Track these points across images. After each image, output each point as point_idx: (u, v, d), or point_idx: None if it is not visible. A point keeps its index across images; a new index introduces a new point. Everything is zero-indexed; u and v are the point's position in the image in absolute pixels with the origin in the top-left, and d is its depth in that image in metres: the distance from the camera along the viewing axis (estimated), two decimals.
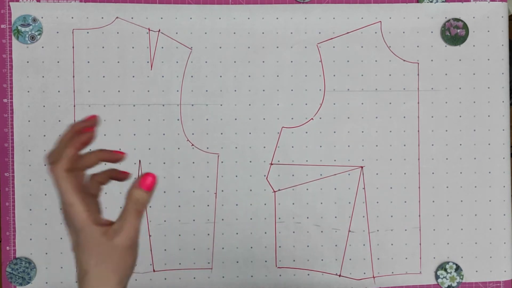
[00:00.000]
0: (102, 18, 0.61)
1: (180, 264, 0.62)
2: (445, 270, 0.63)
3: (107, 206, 0.62)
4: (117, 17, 0.61)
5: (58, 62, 0.61)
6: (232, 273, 0.62)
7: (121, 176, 0.42)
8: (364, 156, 0.63)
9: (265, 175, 0.62)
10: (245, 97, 0.62)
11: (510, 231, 0.64)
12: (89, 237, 0.35)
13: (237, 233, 0.62)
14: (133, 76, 0.62)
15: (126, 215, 0.36)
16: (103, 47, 0.61)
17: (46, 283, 0.61)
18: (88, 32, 0.61)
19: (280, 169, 0.62)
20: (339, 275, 0.63)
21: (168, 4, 0.62)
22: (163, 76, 0.62)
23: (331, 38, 0.63)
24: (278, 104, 0.62)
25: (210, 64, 0.62)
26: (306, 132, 0.63)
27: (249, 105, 0.62)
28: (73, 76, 0.61)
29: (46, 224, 0.61)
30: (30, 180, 0.61)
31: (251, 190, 0.62)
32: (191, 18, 0.62)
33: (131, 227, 0.36)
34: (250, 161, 0.62)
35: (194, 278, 0.62)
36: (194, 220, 0.62)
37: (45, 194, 0.61)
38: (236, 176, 0.62)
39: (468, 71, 0.63)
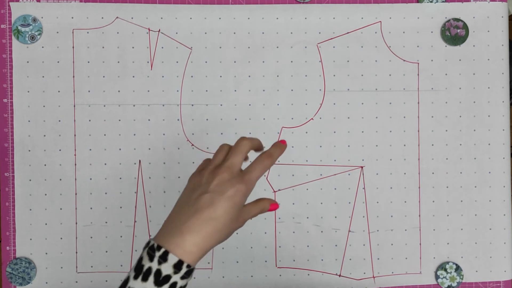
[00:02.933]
0: (102, 18, 0.61)
1: None
2: (445, 270, 0.63)
3: (107, 206, 0.62)
4: (117, 17, 0.61)
5: (58, 62, 0.61)
6: (232, 273, 0.62)
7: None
8: (364, 156, 0.63)
9: (265, 175, 0.62)
10: (245, 97, 0.62)
11: (510, 231, 0.64)
12: None
13: (237, 233, 0.62)
14: (133, 76, 0.62)
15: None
16: (103, 47, 0.61)
17: (46, 283, 0.61)
18: (88, 32, 0.61)
19: (280, 169, 0.62)
20: (339, 275, 0.63)
21: (168, 4, 0.62)
22: (163, 76, 0.62)
23: (331, 38, 0.63)
24: (278, 104, 0.62)
25: (210, 64, 0.62)
26: (306, 132, 0.63)
27: (249, 105, 0.62)
28: (73, 76, 0.61)
29: (46, 224, 0.61)
30: (30, 180, 0.61)
31: None
32: (191, 18, 0.62)
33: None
34: (250, 161, 0.62)
35: (194, 278, 0.62)
36: None
37: (45, 194, 0.61)
38: None
39: (468, 71, 0.63)
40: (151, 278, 0.37)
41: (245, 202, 0.44)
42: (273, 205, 0.47)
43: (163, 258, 0.38)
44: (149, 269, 0.37)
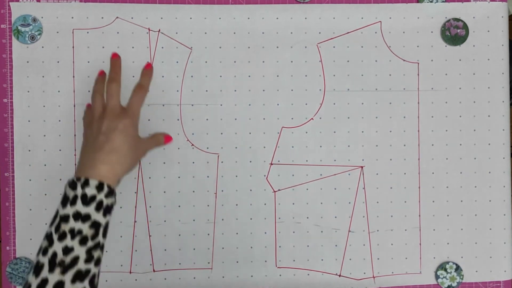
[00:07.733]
0: (102, 18, 0.61)
1: (180, 264, 0.62)
2: (445, 270, 0.63)
3: None
4: (117, 17, 0.61)
5: (58, 62, 0.61)
6: (232, 273, 0.62)
7: None
8: (364, 156, 0.63)
9: (265, 175, 0.62)
10: (245, 97, 0.62)
11: (510, 231, 0.64)
12: None
13: (237, 233, 0.62)
14: (133, 76, 0.62)
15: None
16: (103, 47, 0.61)
17: None
18: (88, 32, 0.61)
19: (280, 169, 0.62)
20: (339, 275, 0.63)
21: (168, 4, 0.62)
22: (163, 76, 0.62)
23: (331, 38, 0.63)
24: (278, 104, 0.62)
25: (210, 64, 0.62)
26: (306, 132, 0.63)
27: (249, 105, 0.62)
28: (73, 76, 0.61)
29: (46, 224, 0.61)
30: (30, 180, 0.61)
31: (251, 190, 0.62)
32: (191, 18, 0.62)
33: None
34: (250, 161, 0.62)
35: (194, 278, 0.62)
36: (194, 220, 0.62)
37: (45, 194, 0.61)
38: (236, 176, 0.62)
39: (468, 71, 0.63)
40: (79, 201, 0.44)
41: (138, 132, 0.53)
42: (167, 138, 0.57)
43: (86, 183, 0.45)
44: (75, 196, 0.45)
